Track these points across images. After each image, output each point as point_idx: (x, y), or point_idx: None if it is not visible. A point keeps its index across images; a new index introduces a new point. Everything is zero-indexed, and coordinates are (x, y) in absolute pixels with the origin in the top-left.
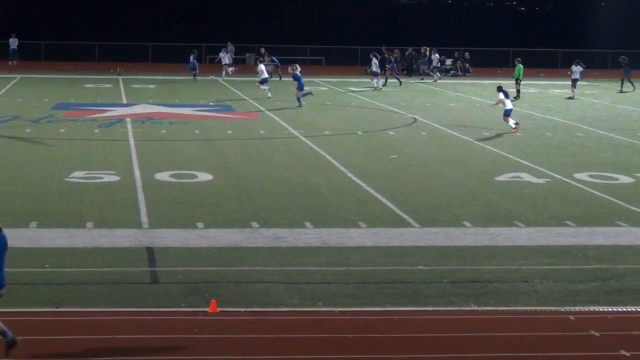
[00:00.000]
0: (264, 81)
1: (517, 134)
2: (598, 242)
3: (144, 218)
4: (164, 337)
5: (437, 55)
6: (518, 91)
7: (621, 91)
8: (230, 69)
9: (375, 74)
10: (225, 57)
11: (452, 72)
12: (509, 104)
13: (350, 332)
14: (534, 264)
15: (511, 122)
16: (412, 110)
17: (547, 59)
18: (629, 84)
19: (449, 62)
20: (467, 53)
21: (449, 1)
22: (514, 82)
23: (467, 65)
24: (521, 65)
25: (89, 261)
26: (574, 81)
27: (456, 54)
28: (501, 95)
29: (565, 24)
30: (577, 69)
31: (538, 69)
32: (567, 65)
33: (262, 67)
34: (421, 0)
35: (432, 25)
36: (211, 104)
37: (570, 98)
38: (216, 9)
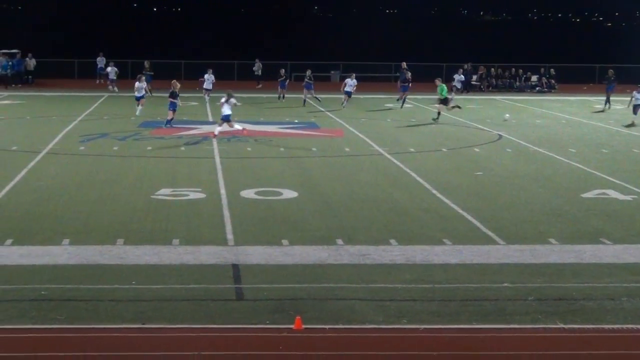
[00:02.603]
0: (138, 98)
1: (215, 140)
2: None
3: (230, 235)
4: (249, 354)
5: (461, 76)
6: (439, 113)
7: (608, 109)
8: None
9: (348, 93)
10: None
11: (537, 88)
12: (227, 111)
13: (435, 350)
14: (620, 281)
15: (218, 128)
16: (498, 127)
17: (635, 75)
18: (608, 100)
19: (534, 78)
20: (552, 69)
21: (535, 18)
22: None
23: (553, 81)
24: (443, 85)
25: (175, 278)
26: (636, 107)
27: (542, 70)
28: (222, 100)
29: None
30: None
31: (624, 85)
32: None
33: (137, 84)
34: (506, 17)
35: (517, 41)
36: (296, 121)
37: (630, 125)
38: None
